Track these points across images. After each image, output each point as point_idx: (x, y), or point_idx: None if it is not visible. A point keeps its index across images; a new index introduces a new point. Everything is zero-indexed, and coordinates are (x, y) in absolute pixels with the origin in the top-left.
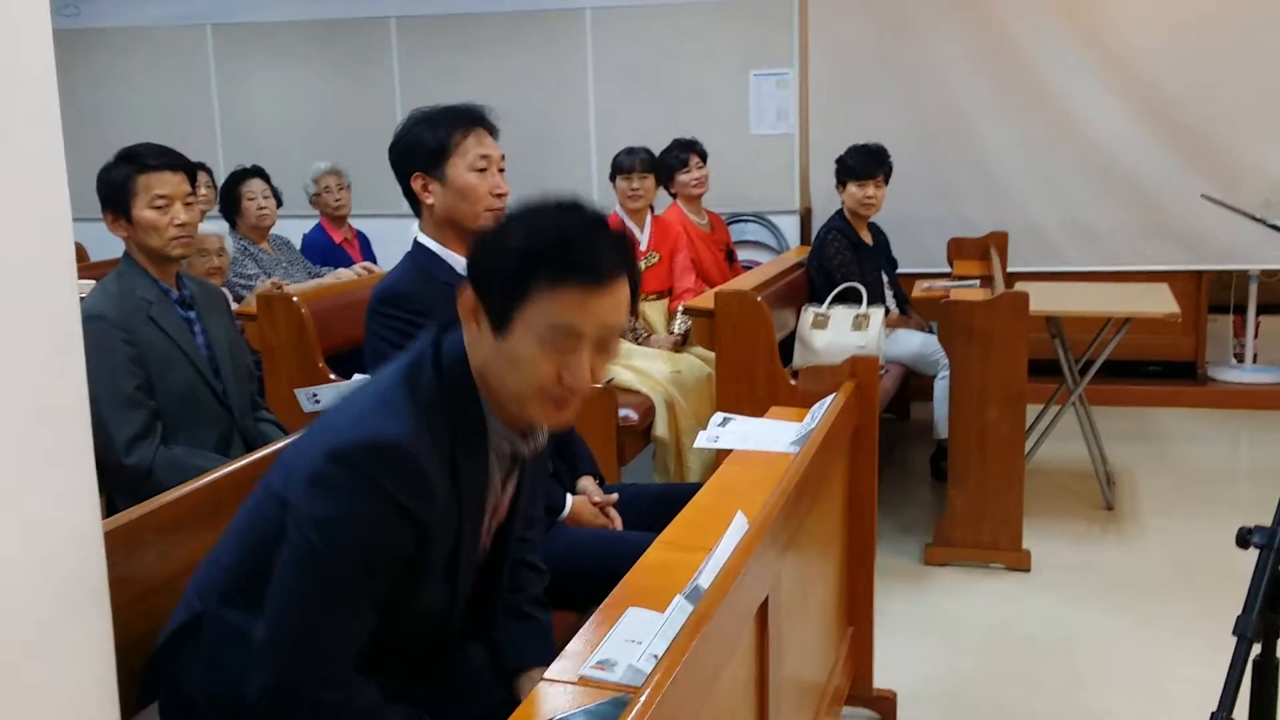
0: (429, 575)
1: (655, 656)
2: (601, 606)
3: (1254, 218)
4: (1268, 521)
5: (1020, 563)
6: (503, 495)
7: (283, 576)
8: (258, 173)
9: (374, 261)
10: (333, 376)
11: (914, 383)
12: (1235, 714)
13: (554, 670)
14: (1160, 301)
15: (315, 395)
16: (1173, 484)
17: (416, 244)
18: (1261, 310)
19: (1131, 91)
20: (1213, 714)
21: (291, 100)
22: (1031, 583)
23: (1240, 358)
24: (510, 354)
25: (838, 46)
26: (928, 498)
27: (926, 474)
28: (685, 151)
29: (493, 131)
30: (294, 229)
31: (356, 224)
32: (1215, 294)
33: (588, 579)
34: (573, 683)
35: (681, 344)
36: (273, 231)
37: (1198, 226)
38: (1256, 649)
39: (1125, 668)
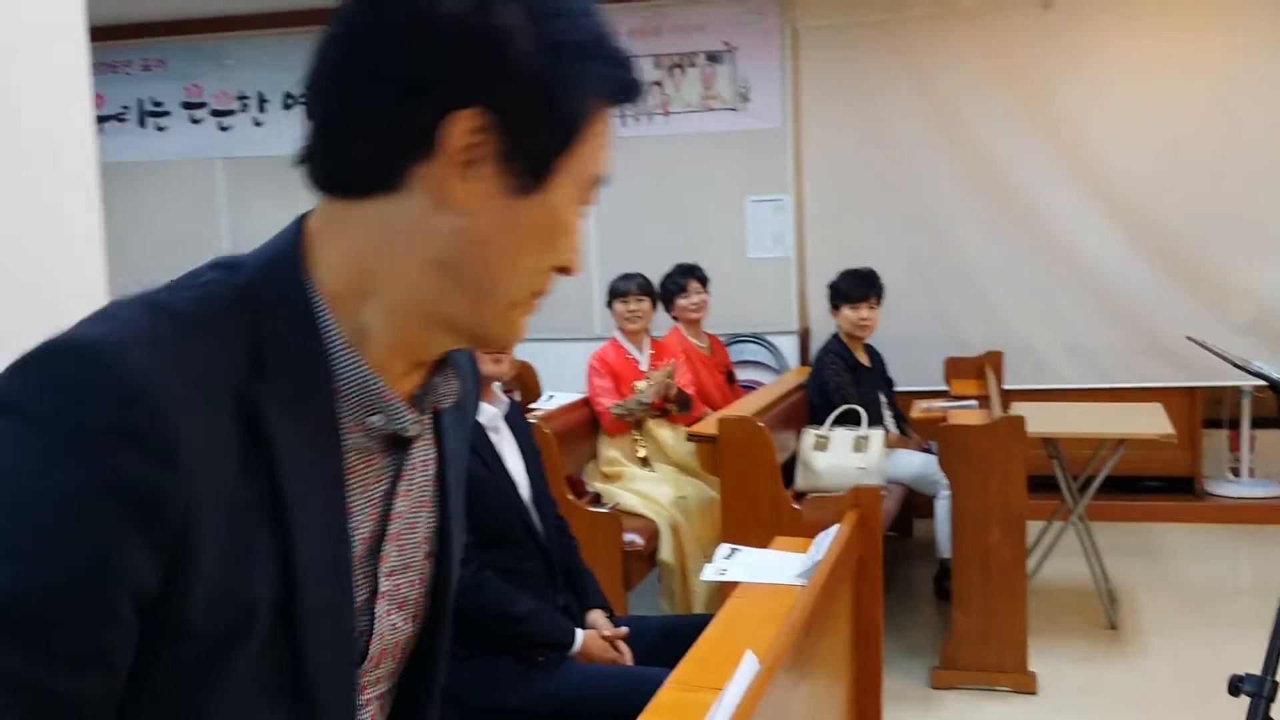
0: (219, 655)
1: None
2: None
3: (1235, 364)
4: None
5: (1026, 685)
6: (376, 504)
7: None
8: None
9: None
10: None
11: (915, 500)
12: None
13: None
14: (1155, 421)
15: None
16: (1175, 601)
17: None
18: (1255, 424)
19: (1117, 213)
20: None
21: None
22: (1038, 705)
23: (1237, 472)
24: (534, 223)
25: (831, 173)
26: (933, 617)
27: (930, 593)
28: (684, 277)
29: None
30: None
31: None
32: (1210, 409)
33: (600, 716)
34: None
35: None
36: None
37: (1189, 344)
38: None
39: None
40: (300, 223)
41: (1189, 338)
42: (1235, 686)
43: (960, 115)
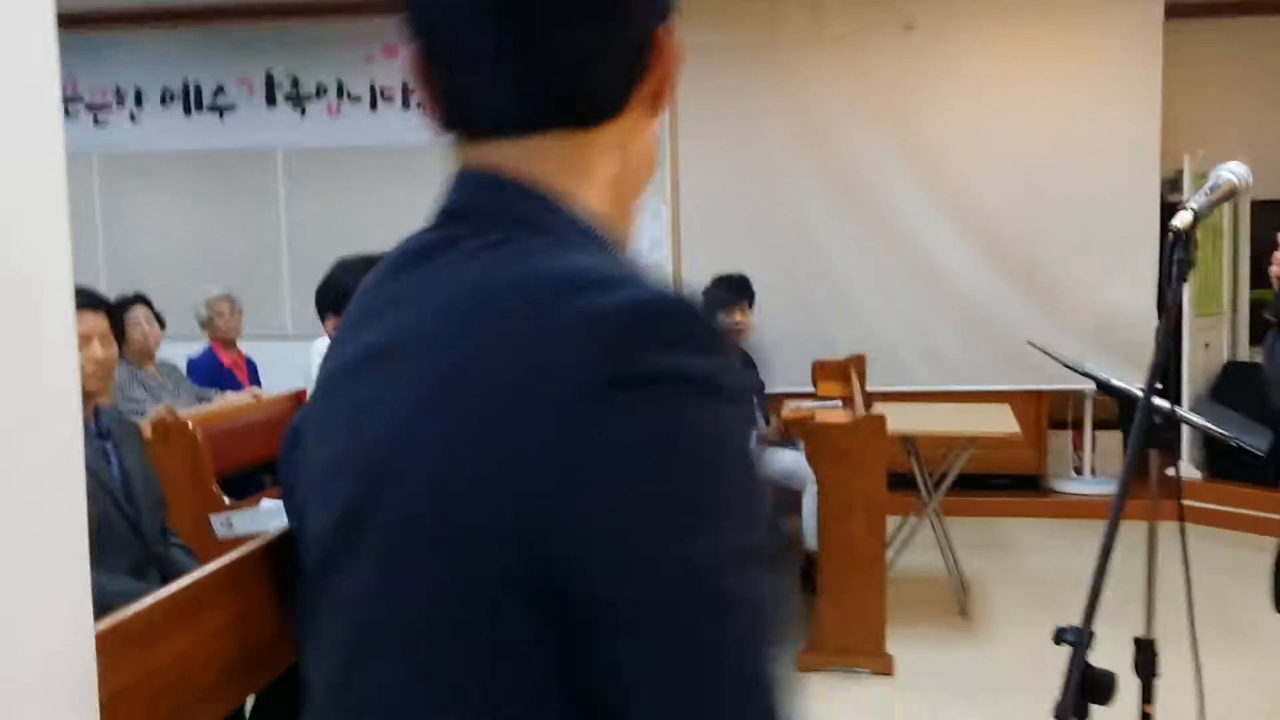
0: None
1: None
2: None
3: (1070, 366)
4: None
5: (884, 667)
6: None
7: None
8: (139, 299)
9: (259, 384)
10: (226, 500)
11: (787, 499)
12: None
13: None
14: (1003, 422)
15: (229, 521)
16: (1021, 590)
17: None
18: (1097, 426)
19: (971, 226)
20: None
21: (177, 228)
22: (895, 686)
23: (1079, 470)
24: (654, 141)
25: (706, 183)
26: (798, 607)
27: (795, 584)
28: None
29: None
30: (178, 352)
31: (243, 347)
32: (1055, 411)
33: None
34: None
35: None
36: (159, 355)
37: (1036, 350)
38: None
39: None
40: (502, 180)
41: (1029, 342)
42: (1059, 637)
43: (828, 131)
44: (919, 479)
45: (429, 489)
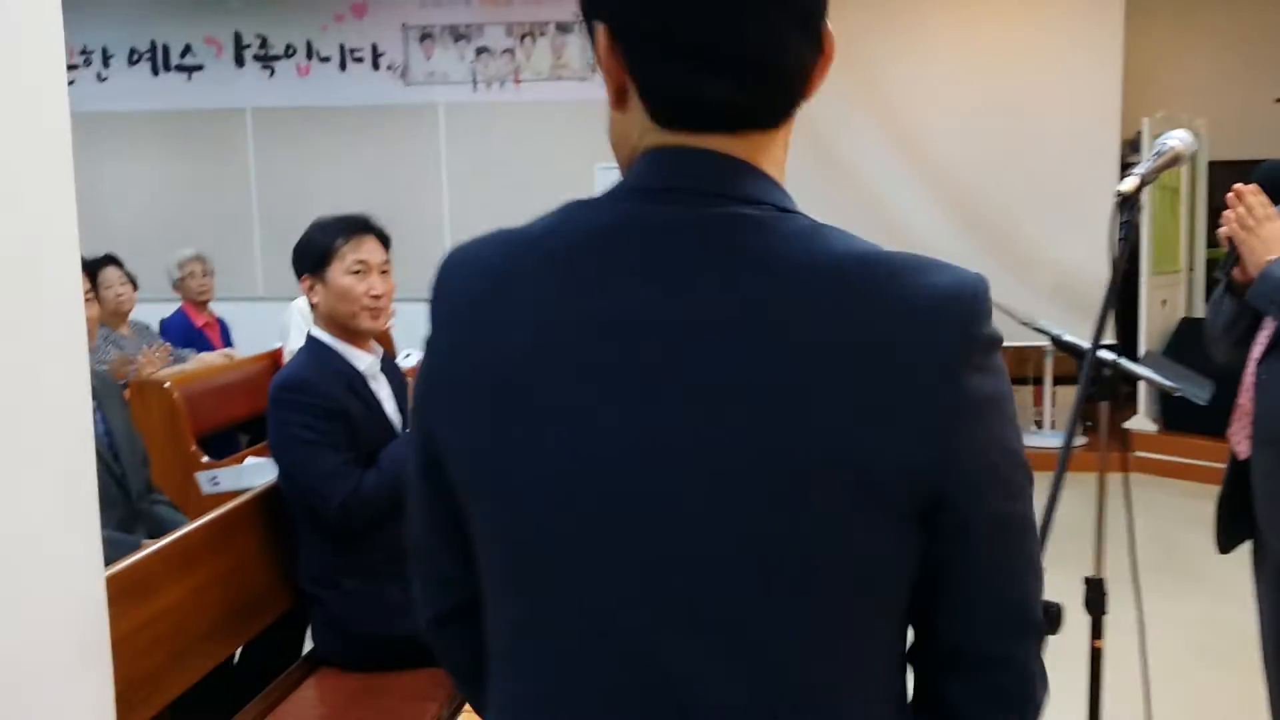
0: None
1: None
2: None
3: (1024, 322)
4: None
5: None
6: None
7: (1016, 549)
8: (112, 260)
9: (232, 345)
10: (205, 459)
11: None
12: None
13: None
14: None
15: (215, 478)
16: None
17: (310, 337)
18: (1057, 382)
19: (938, 187)
20: None
21: (147, 188)
22: None
23: (1040, 424)
24: None
25: None
26: None
27: None
28: None
29: (382, 239)
30: (151, 313)
31: (215, 308)
32: (1016, 367)
33: None
34: None
35: None
36: (131, 316)
37: (998, 308)
38: None
39: None
40: (734, 163)
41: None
42: None
43: None
44: None
45: (818, 428)
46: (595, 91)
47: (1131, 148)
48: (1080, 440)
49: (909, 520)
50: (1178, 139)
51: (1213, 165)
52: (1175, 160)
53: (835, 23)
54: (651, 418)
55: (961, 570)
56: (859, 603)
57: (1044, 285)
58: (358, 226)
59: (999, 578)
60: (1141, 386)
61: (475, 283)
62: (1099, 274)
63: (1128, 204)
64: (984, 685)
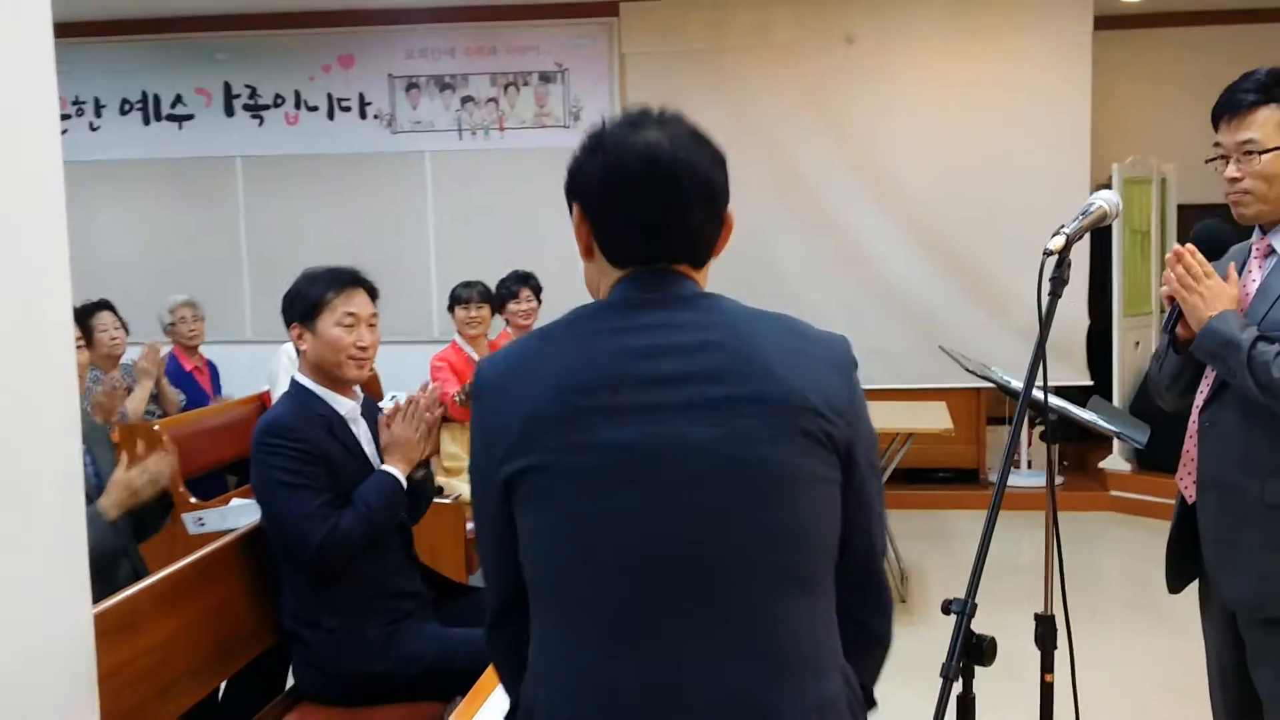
0: None
1: None
2: (476, 685)
3: (974, 371)
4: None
5: None
6: None
7: (877, 487)
8: (106, 306)
9: (219, 388)
10: (193, 500)
11: None
12: None
13: None
14: (937, 417)
15: (201, 518)
16: (959, 578)
17: (294, 383)
18: (1034, 422)
19: (911, 228)
20: None
21: (138, 234)
22: None
23: (1016, 464)
24: None
25: None
26: None
27: None
28: (517, 284)
29: (371, 292)
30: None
31: (205, 351)
32: (993, 407)
33: (460, 675)
34: None
35: None
36: (122, 360)
37: (974, 349)
38: (958, 688)
39: None
40: (694, 287)
41: (940, 347)
42: (946, 608)
43: (775, 136)
44: None
45: (790, 389)
46: (578, 139)
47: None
48: (1057, 480)
49: (831, 452)
50: (1103, 199)
51: (1181, 209)
52: (1102, 219)
53: (808, 72)
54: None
55: (855, 501)
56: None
57: (1018, 327)
58: (348, 279)
59: (871, 508)
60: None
61: (515, 354)
62: (1071, 317)
63: (1056, 261)
64: (870, 595)
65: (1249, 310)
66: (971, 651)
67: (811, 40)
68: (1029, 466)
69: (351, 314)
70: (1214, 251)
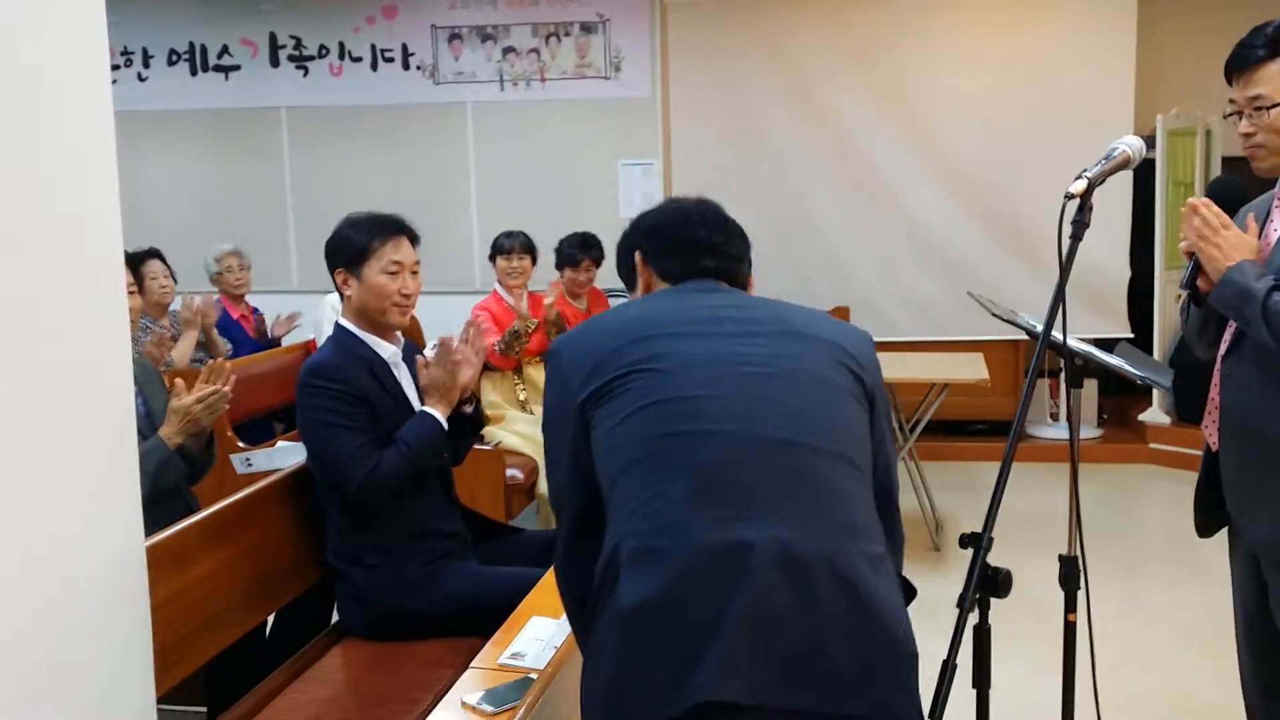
0: None
1: (555, 648)
2: (511, 616)
3: (1003, 318)
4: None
5: None
6: None
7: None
8: (155, 254)
9: (267, 336)
10: (240, 444)
11: None
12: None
13: (478, 660)
14: (973, 368)
15: (248, 459)
16: (997, 529)
17: (339, 326)
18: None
19: (950, 182)
20: (944, 661)
21: (186, 184)
22: None
23: (1055, 417)
24: None
25: (697, 139)
26: None
27: None
28: (582, 251)
29: (413, 239)
30: None
31: (250, 300)
32: (1031, 360)
33: (496, 610)
34: (493, 668)
35: None
36: (171, 308)
37: (1014, 301)
38: (975, 618)
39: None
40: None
41: (969, 293)
42: (963, 542)
43: (816, 89)
44: (895, 422)
45: (827, 338)
46: (618, 90)
47: (1147, 144)
48: (1096, 433)
49: (862, 392)
50: (1126, 145)
51: (1226, 160)
52: (1125, 164)
53: (851, 25)
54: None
55: (878, 439)
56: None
57: (1053, 277)
58: (394, 227)
59: (889, 449)
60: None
61: (582, 324)
62: (1113, 269)
63: (1077, 205)
64: (891, 520)
65: (1269, 260)
66: (987, 583)
67: None
68: (1066, 419)
69: (397, 261)
70: (1231, 205)
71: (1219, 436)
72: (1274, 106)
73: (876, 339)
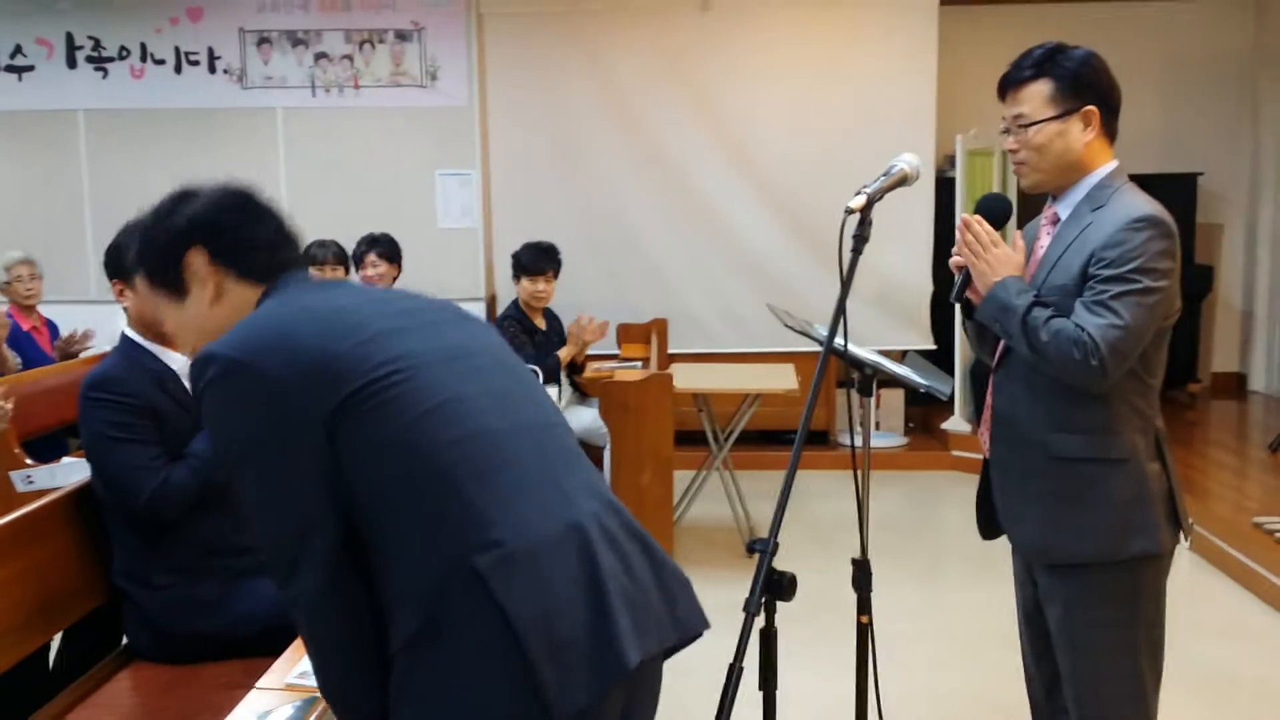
0: None
1: None
2: (294, 643)
3: (796, 330)
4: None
5: None
6: None
7: None
8: None
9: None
10: (29, 461)
11: (588, 454)
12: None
13: (264, 679)
14: (783, 379)
15: (29, 477)
16: (807, 534)
17: (124, 337)
18: (880, 385)
19: (764, 196)
20: (730, 664)
21: None
22: None
23: (873, 426)
24: None
25: (515, 150)
26: None
27: None
28: (368, 249)
29: None
30: None
31: (44, 310)
32: (842, 372)
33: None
34: (280, 689)
35: None
36: None
37: (821, 313)
38: (760, 621)
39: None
40: None
41: (768, 305)
42: (750, 548)
43: (632, 102)
44: (709, 434)
45: (468, 316)
46: (435, 99)
47: (949, 162)
48: (903, 440)
49: None
50: (905, 162)
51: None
52: (903, 180)
53: (668, 38)
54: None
55: None
56: None
57: (868, 294)
58: None
59: None
60: (956, 391)
61: (258, 328)
62: (916, 283)
63: (858, 219)
64: None
65: (1034, 276)
66: (773, 587)
67: (668, 5)
68: (876, 428)
69: None
70: (998, 220)
71: (989, 443)
72: (1032, 125)
73: (695, 351)
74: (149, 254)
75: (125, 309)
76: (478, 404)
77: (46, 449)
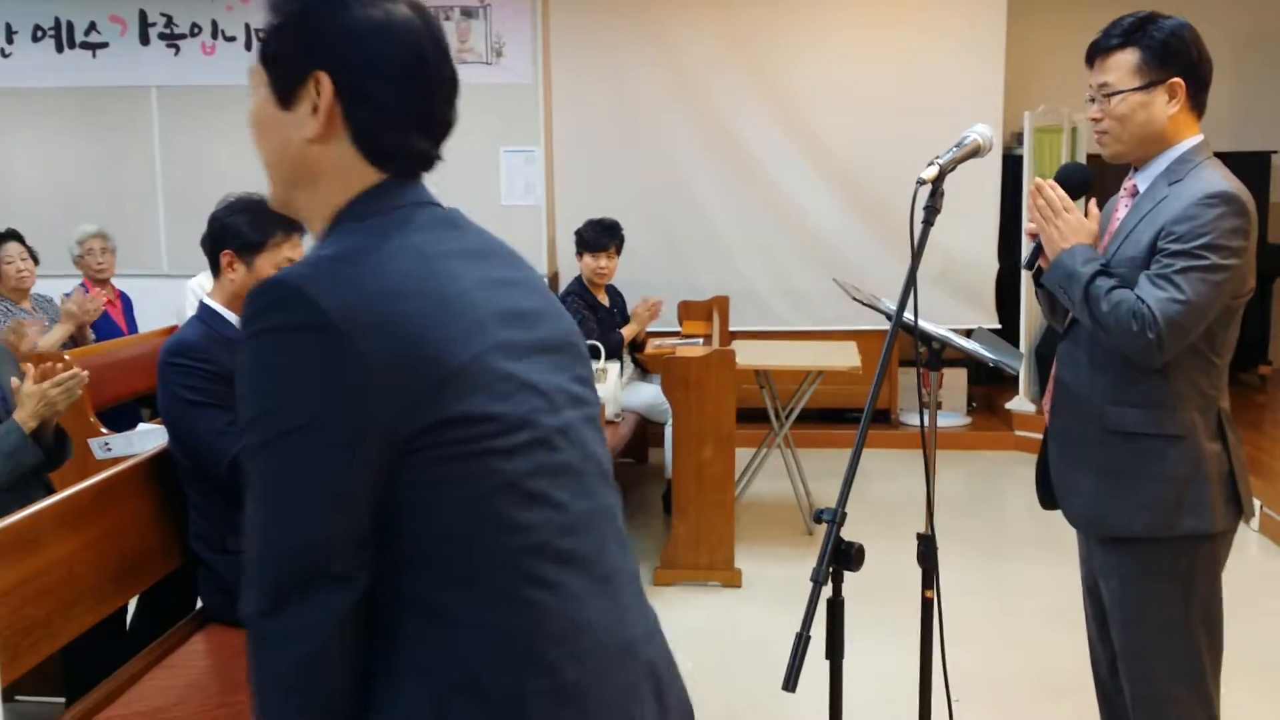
0: None
1: None
2: None
3: (864, 303)
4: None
5: (733, 580)
6: None
7: None
8: (13, 236)
9: (133, 321)
10: (104, 430)
11: (649, 430)
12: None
13: None
14: (846, 356)
15: (107, 444)
16: (868, 513)
17: (204, 306)
18: (944, 364)
19: (830, 174)
20: (797, 634)
21: (50, 164)
22: (742, 596)
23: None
24: None
25: (579, 128)
26: (660, 530)
27: (659, 509)
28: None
29: (302, 234)
30: (54, 288)
31: (117, 284)
32: (906, 350)
33: None
34: None
35: None
36: (33, 291)
37: (887, 290)
38: (828, 591)
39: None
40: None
41: (834, 279)
42: (818, 517)
43: (697, 79)
44: (770, 411)
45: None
46: (500, 76)
47: (1017, 140)
48: (966, 420)
49: None
50: (977, 133)
51: (1091, 157)
52: (975, 151)
53: (733, 17)
54: None
55: None
56: None
57: (933, 271)
58: (295, 225)
59: None
60: (1022, 371)
61: (378, 276)
62: (982, 261)
63: (929, 190)
64: None
65: (1107, 247)
66: (840, 557)
67: None
68: (939, 407)
69: (290, 259)
70: (1076, 189)
71: (1050, 413)
72: (1117, 94)
73: (757, 328)
74: (281, 39)
75: (227, 280)
76: (564, 474)
77: (120, 419)
